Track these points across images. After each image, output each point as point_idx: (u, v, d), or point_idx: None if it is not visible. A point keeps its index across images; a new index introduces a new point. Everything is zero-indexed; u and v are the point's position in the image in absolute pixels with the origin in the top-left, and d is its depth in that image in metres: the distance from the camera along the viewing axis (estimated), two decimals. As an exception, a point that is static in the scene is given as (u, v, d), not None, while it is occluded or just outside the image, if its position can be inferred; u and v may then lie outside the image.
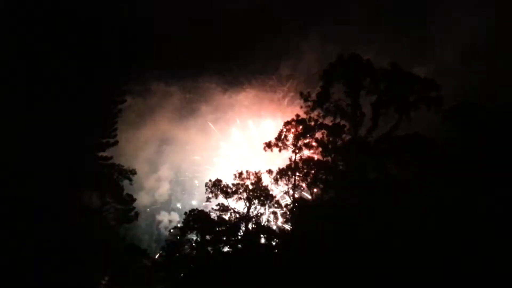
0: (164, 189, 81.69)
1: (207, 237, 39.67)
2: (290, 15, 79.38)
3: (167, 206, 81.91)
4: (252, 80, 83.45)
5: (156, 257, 46.77)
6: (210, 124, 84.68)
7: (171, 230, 41.89)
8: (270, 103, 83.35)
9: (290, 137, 38.65)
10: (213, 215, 39.82)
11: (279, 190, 40.44)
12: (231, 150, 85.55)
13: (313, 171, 37.54)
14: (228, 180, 40.93)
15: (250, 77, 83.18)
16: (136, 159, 70.47)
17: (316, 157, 37.97)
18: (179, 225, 42.90)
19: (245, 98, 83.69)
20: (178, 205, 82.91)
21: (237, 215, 39.75)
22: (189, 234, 40.24)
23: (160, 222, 78.43)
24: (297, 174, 38.39)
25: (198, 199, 78.71)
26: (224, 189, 40.07)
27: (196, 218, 40.76)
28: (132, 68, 34.52)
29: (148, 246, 61.60)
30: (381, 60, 36.95)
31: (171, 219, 77.93)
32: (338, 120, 36.78)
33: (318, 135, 37.71)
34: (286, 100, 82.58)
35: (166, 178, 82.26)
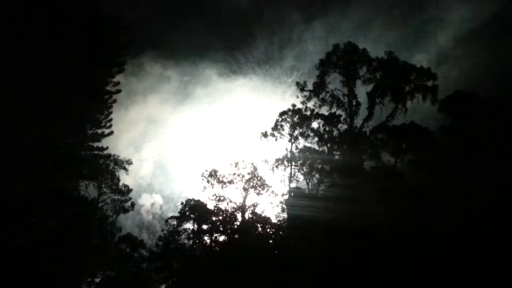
0: (147, 171, 79.50)
1: (204, 226, 39.87)
2: (295, 6, 78.80)
3: (149, 188, 79.63)
4: (256, 69, 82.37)
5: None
6: (204, 108, 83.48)
7: (168, 220, 41.91)
8: (272, 94, 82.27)
9: (286, 126, 38.60)
10: (210, 205, 39.98)
11: (275, 180, 40.48)
12: (225, 137, 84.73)
13: (309, 161, 37.63)
14: (220, 167, 40.83)
15: (254, 65, 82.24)
16: (121, 139, 68.87)
17: (312, 146, 38.04)
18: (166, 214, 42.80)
19: (246, 86, 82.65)
20: (160, 188, 79.70)
21: (234, 205, 39.86)
22: (185, 223, 40.45)
23: (141, 206, 75.71)
24: (293, 163, 38.45)
25: (181, 182, 77.19)
26: (221, 178, 40.07)
27: (192, 208, 40.93)
28: (128, 56, 33.87)
29: (131, 232, 59.53)
30: (383, 49, 36.64)
31: (153, 202, 75.09)
32: (334, 109, 36.78)
33: (314, 124, 37.73)
34: (289, 91, 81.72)
35: (150, 159, 79.64)
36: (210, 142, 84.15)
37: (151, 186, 78.44)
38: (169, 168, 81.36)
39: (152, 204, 71.06)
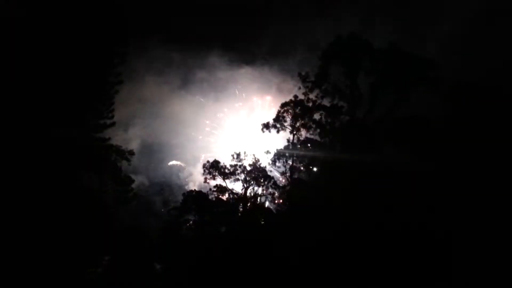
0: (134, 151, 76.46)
1: (205, 217, 39.95)
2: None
3: (134, 169, 76.77)
4: (267, 60, 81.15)
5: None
6: (206, 95, 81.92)
7: (170, 211, 42.11)
8: (283, 85, 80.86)
9: (288, 118, 38.42)
10: (211, 196, 40.02)
11: (277, 171, 40.45)
12: (226, 126, 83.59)
13: (310, 152, 37.57)
14: (216, 156, 40.84)
15: (266, 56, 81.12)
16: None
17: (314, 138, 37.89)
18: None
19: (253, 76, 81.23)
20: (146, 169, 77.14)
21: (235, 196, 39.92)
22: (186, 214, 40.54)
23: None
24: (295, 155, 38.39)
25: (169, 166, 75.77)
26: (222, 170, 40.12)
27: (193, 199, 40.99)
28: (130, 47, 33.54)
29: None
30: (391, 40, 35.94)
31: (138, 183, 71.32)
32: (336, 101, 36.56)
33: (316, 116, 37.52)
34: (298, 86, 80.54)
35: (137, 140, 77.28)
36: (208, 129, 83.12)
37: (136, 168, 75.94)
38: (157, 150, 79.34)
39: (137, 186, 68.44)
